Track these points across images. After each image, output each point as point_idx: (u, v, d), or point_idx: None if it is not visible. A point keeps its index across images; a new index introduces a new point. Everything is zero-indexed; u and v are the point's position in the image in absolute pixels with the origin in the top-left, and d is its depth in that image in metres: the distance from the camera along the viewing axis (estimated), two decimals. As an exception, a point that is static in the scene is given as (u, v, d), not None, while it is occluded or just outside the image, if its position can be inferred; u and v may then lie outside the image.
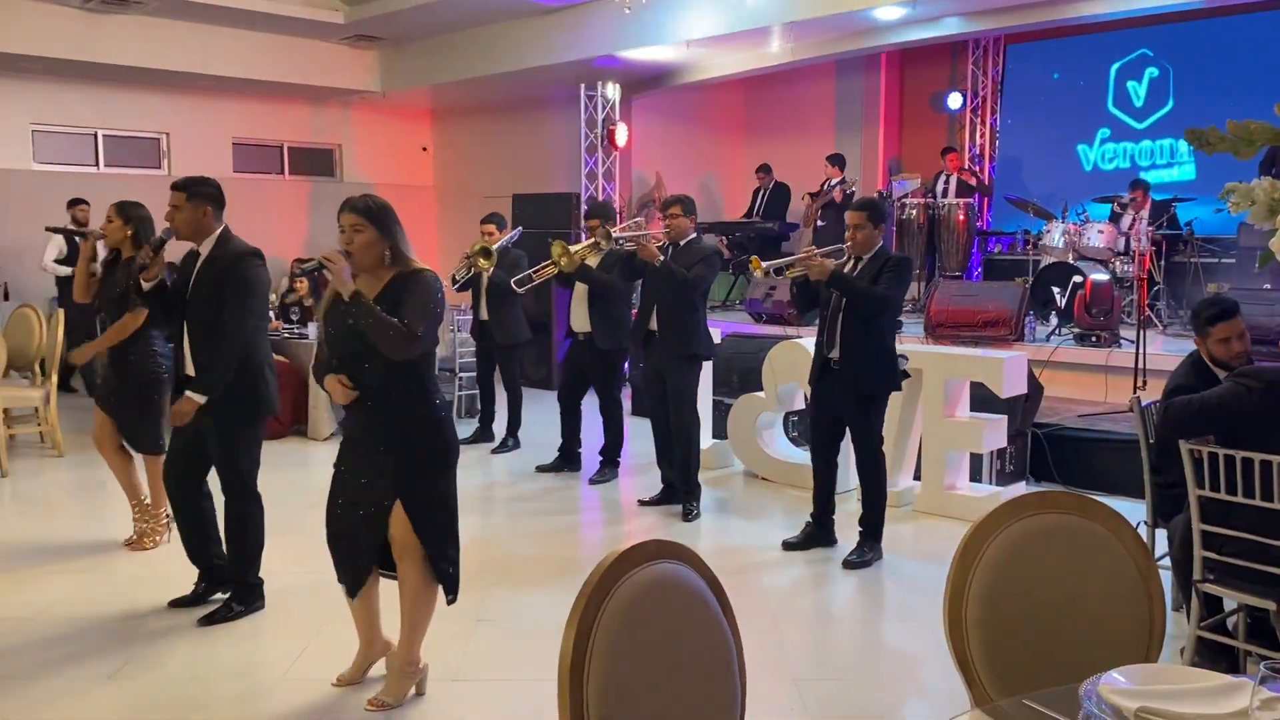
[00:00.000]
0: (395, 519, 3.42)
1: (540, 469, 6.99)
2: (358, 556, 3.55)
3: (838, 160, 11.16)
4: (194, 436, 4.26)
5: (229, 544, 4.35)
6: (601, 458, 6.80)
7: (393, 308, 3.33)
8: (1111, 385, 7.47)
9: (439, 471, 3.48)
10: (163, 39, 10.85)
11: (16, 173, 11.40)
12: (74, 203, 9.98)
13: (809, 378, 5.26)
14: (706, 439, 6.75)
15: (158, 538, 5.26)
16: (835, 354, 4.99)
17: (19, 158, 11.50)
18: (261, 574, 4.42)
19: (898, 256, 5.08)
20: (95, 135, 12.10)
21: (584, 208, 10.02)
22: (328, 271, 3.33)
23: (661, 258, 5.69)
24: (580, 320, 6.59)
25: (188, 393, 4.14)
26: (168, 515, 5.25)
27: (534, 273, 6.70)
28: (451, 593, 3.56)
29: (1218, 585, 3.58)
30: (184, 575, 4.54)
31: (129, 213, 5.03)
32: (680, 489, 5.93)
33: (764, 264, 5.27)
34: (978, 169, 11.99)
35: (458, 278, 7.44)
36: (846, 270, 5.02)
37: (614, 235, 6.13)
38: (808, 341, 5.87)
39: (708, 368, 6.49)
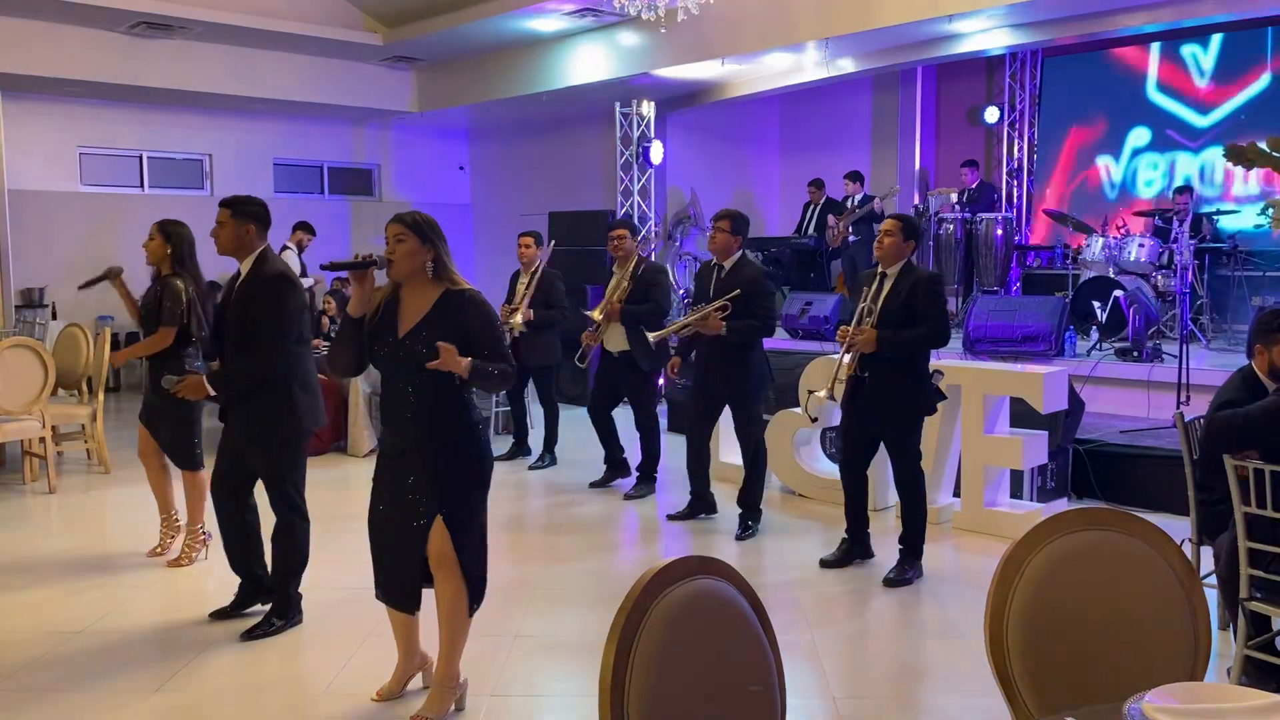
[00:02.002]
0: (435, 532, 3.44)
1: (593, 485, 7.01)
2: (404, 570, 3.54)
3: (856, 176, 11.12)
4: (235, 455, 4.35)
5: (275, 557, 4.40)
6: (638, 474, 6.83)
7: (455, 333, 3.35)
8: (1154, 400, 7.38)
9: (475, 485, 3.52)
10: (205, 62, 11.07)
11: (64, 195, 11.65)
12: (300, 226, 10.22)
13: (840, 397, 5.18)
14: (743, 455, 6.75)
15: (194, 555, 5.32)
16: (866, 373, 4.94)
17: (67, 180, 11.76)
18: (301, 588, 4.47)
19: (929, 275, 5.01)
20: (140, 157, 12.35)
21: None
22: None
23: (724, 330, 5.56)
24: (615, 341, 6.63)
25: (205, 375, 4.35)
26: (205, 532, 5.33)
27: (588, 344, 6.75)
28: (475, 603, 3.57)
29: (1265, 603, 3.53)
30: (226, 589, 4.61)
31: (169, 230, 5.14)
32: (742, 508, 5.90)
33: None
34: (1014, 183, 11.92)
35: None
36: (873, 289, 4.97)
37: (663, 334, 5.95)
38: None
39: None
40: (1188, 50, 10.66)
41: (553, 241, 8.30)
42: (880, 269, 5.01)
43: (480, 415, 3.58)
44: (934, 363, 5.30)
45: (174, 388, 4.45)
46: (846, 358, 4.96)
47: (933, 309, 4.88)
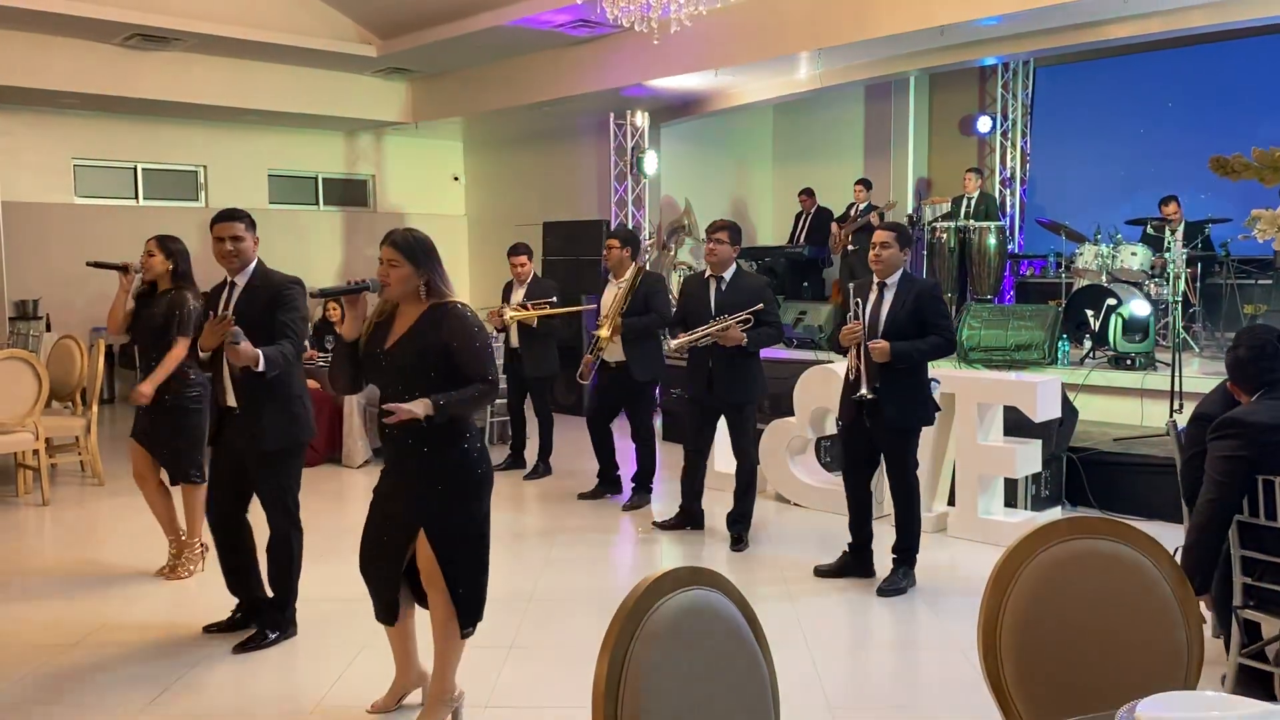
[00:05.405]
0: (421, 548, 3.43)
1: (582, 496, 7.02)
2: (386, 584, 3.55)
3: (867, 183, 11.15)
4: (233, 470, 4.34)
5: (273, 571, 4.37)
6: (634, 484, 6.83)
7: (432, 346, 3.34)
8: (1147, 409, 7.40)
9: (466, 503, 3.45)
10: (200, 74, 11.07)
11: (59, 207, 11.64)
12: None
13: (840, 412, 5.22)
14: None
15: (192, 567, 5.31)
16: (869, 390, 4.90)
17: (61, 192, 11.76)
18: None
19: (929, 285, 5.04)
20: (135, 169, 12.34)
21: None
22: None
23: (745, 340, 5.55)
24: (613, 352, 6.62)
25: (244, 343, 3.97)
26: (202, 545, 5.31)
27: (589, 355, 6.67)
28: (468, 625, 3.51)
29: (1258, 611, 3.53)
30: (220, 603, 4.60)
31: (170, 247, 5.16)
32: (735, 518, 5.89)
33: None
34: (1007, 191, 11.95)
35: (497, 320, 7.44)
36: (873, 300, 5.00)
37: (686, 342, 5.72)
38: (839, 367, 5.87)
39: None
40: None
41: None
42: (878, 280, 5.03)
43: (476, 431, 3.52)
44: (931, 372, 5.32)
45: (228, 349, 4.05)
46: (855, 359, 4.95)
47: (941, 319, 4.93)
